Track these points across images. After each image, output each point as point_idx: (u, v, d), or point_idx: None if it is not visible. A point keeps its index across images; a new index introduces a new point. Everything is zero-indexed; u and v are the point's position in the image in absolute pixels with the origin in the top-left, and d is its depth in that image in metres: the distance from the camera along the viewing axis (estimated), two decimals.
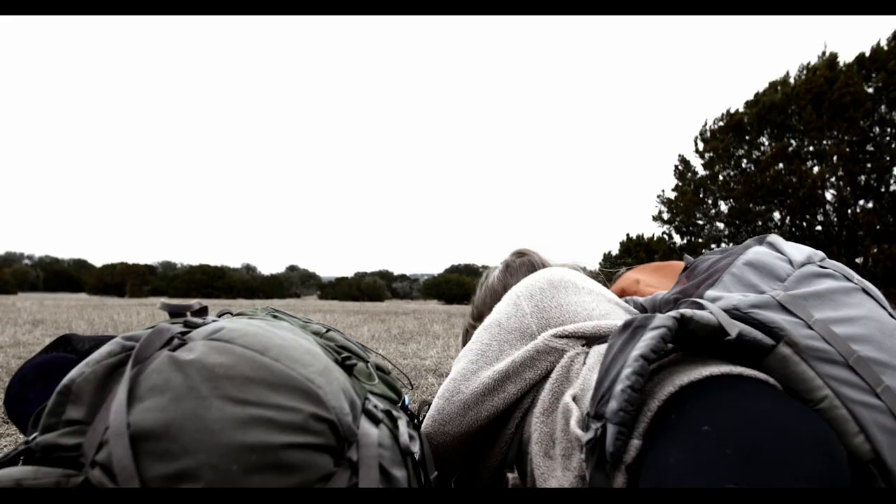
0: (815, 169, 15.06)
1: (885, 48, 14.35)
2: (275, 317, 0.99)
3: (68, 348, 0.97)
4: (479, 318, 1.29)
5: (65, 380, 0.76)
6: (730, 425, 0.66)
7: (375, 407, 0.88)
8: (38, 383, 0.89)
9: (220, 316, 0.96)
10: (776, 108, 15.45)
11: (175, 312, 0.91)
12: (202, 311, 0.93)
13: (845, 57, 15.24)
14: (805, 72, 15.38)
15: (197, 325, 0.84)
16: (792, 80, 15.63)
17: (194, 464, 0.68)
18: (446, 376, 3.63)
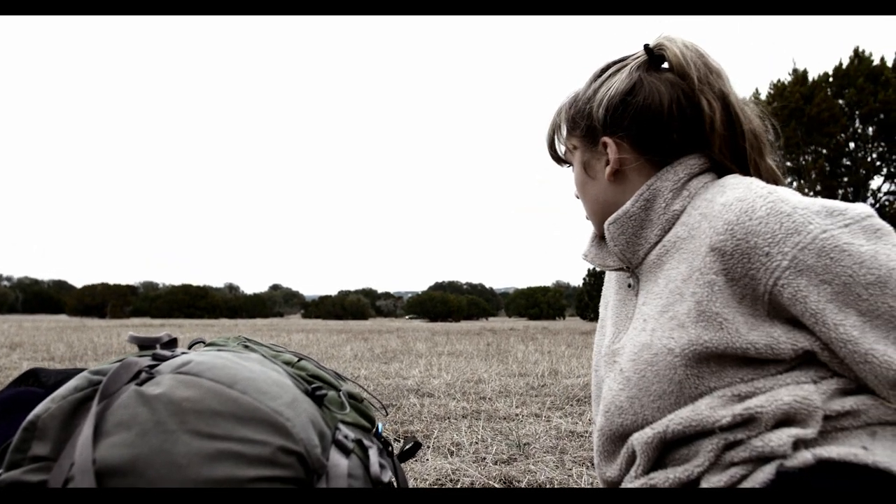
0: (794, 185, 15.30)
1: (850, 65, 14.70)
2: (246, 346, 0.99)
3: (35, 383, 0.96)
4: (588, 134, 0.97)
5: (30, 416, 0.75)
6: None
7: (346, 437, 0.88)
8: (4, 419, 0.88)
9: (191, 346, 0.96)
10: None
11: (144, 345, 0.90)
12: (171, 343, 0.93)
13: (813, 75, 15.60)
14: (776, 88, 15.65)
15: (165, 358, 0.84)
16: (763, 97, 15.91)
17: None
18: (428, 396, 3.59)
